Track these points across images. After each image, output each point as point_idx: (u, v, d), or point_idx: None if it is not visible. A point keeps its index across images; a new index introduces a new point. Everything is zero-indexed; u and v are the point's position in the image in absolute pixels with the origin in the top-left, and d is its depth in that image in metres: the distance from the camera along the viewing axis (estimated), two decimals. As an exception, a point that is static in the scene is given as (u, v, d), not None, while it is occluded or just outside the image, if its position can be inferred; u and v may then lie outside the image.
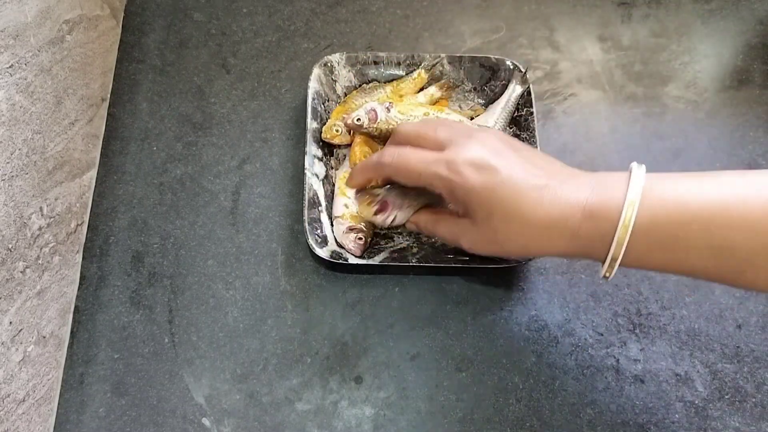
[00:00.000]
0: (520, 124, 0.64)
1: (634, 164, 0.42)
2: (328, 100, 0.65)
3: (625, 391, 0.55)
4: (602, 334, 0.57)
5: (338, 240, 0.58)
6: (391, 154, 0.49)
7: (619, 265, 0.42)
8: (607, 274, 0.43)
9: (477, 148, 0.45)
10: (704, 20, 0.74)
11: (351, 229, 0.58)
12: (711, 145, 0.66)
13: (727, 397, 0.54)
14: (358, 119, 0.60)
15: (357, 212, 0.58)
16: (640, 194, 0.40)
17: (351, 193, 0.59)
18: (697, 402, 0.54)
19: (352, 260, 0.57)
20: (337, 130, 0.62)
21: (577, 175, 0.45)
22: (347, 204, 0.59)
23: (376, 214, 0.54)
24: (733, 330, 0.57)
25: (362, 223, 0.58)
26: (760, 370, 0.55)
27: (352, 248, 0.57)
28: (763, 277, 0.39)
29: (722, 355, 0.56)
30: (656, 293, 0.59)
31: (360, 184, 0.55)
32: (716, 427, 0.53)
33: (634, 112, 0.68)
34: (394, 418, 0.53)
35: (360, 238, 0.57)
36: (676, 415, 0.54)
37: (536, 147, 0.61)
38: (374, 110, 0.60)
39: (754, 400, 0.54)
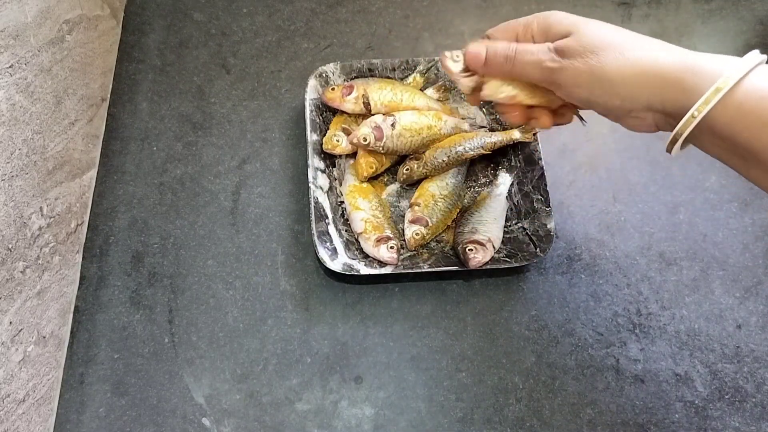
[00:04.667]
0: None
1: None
2: (326, 111, 0.65)
3: (625, 391, 0.55)
4: (602, 334, 0.57)
5: (371, 255, 0.57)
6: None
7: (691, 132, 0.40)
8: (679, 134, 0.40)
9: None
10: (704, 20, 0.74)
11: (379, 241, 0.57)
12: (711, 145, 0.66)
13: (727, 397, 0.54)
14: (365, 138, 0.59)
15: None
16: (746, 70, 0.39)
17: (365, 205, 0.59)
18: (697, 402, 0.54)
19: (364, 271, 0.56)
20: (337, 140, 0.61)
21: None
22: (364, 218, 0.58)
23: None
24: (733, 330, 0.57)
25: (387, 230, 0.57)
26: (760, 370, 0.55)
27: (388, 259, 0.56)
28: None
29: (722, 355, 0.56)
30: (656, 293, 0.59)
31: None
32: (716, 427, 0.53)
33: (634, 112, 0.68)
34: (394, 418, 0.53)
35: (392, 247, 0.56)
36: (676, 415, 0.54)
37: (537, 143, 0.61)
38: (379, 127, 0.59)
39: (754, 400, 0.54)
